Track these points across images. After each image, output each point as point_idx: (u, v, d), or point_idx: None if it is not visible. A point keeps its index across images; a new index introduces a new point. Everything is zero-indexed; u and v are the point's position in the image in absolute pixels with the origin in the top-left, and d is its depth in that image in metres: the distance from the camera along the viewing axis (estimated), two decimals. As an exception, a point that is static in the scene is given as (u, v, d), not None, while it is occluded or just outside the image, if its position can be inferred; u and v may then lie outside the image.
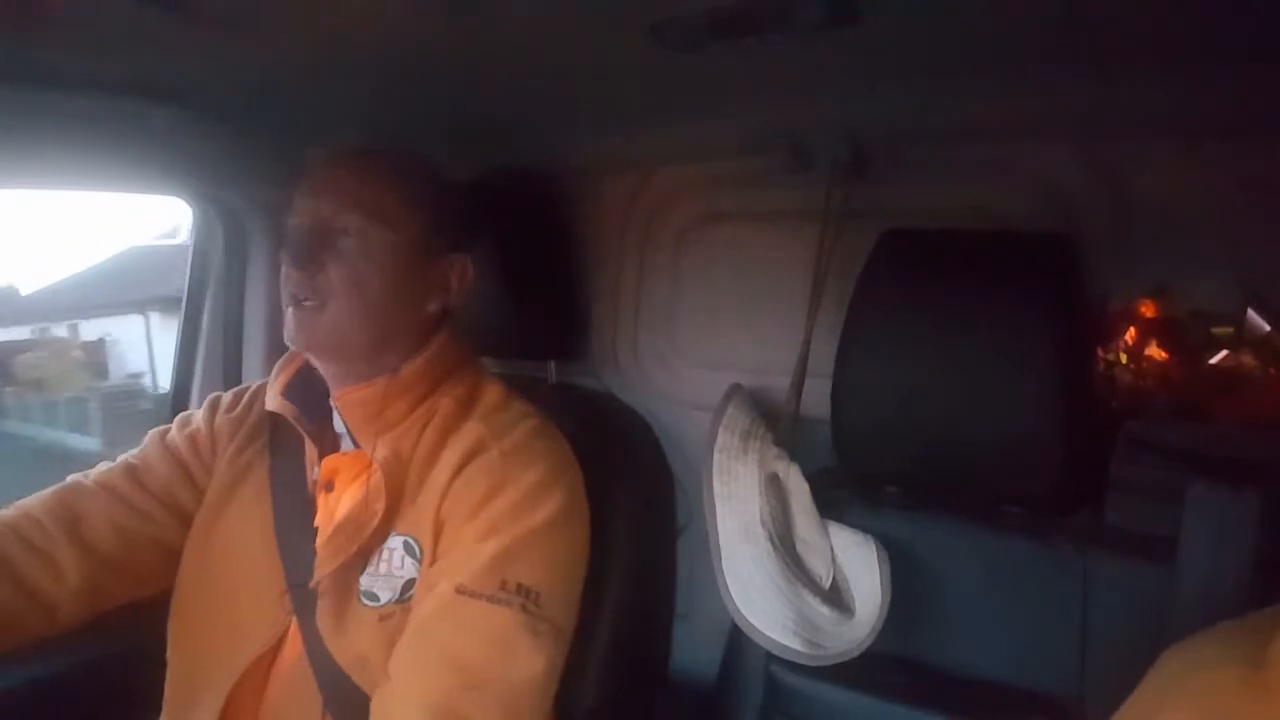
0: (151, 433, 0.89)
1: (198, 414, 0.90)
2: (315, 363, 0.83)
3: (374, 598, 0.76)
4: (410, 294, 0.81)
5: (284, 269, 0.78)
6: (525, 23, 0.65)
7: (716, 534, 0.85)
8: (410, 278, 0.80)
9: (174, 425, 0.89)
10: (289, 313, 0.78)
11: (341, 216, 0.77)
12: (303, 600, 0.77)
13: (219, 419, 0.89)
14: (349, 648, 0.75)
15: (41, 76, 0.70)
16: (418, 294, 0.82)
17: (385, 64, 0.73)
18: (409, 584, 0.76)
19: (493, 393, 0.85)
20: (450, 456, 0.78)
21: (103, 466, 0.86)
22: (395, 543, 0.77)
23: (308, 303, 0.77)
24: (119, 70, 0.70)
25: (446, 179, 0.86)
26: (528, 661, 0.69)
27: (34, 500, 0.81)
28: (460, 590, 0.71)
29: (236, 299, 1.25)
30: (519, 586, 0.71)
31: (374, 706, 0.70)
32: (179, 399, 1.26)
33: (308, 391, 0.85)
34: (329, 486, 0.81)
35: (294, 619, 0.77)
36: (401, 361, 0.81)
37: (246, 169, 1.10)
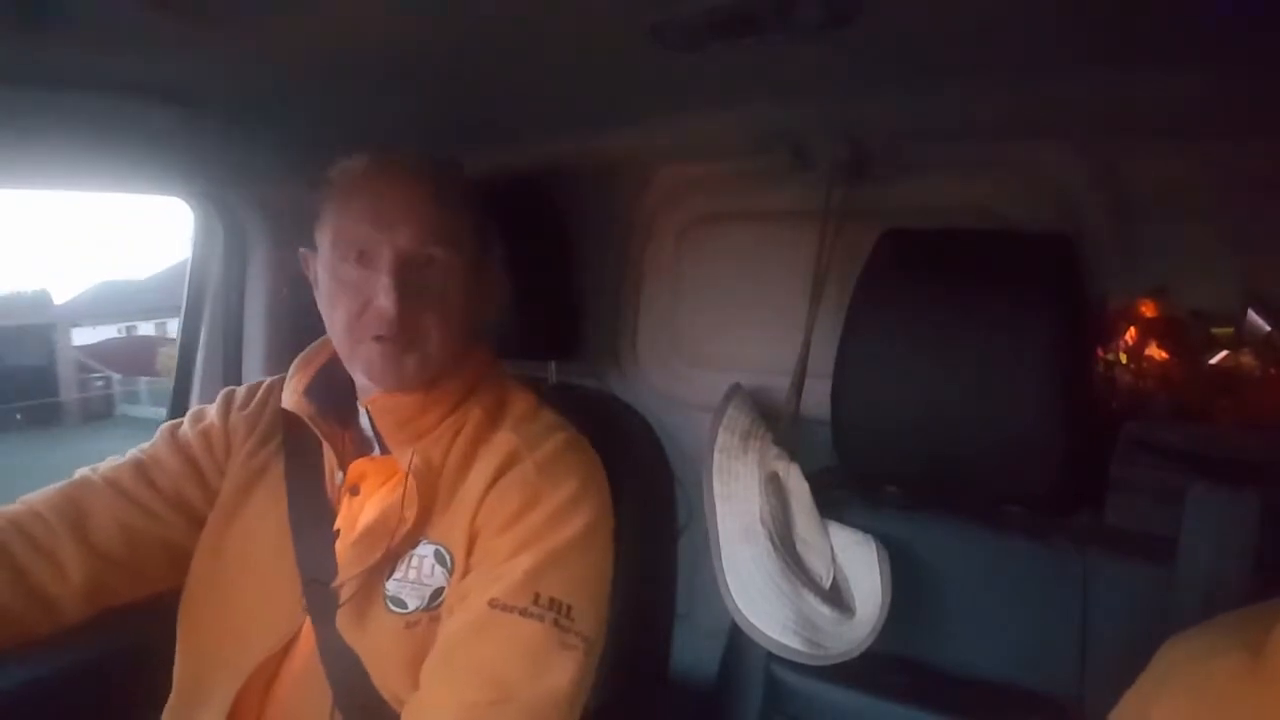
0: (162, 427, 0.88)
1: (211, 409, 0.89)
2: (354, 373, 0.81)
3: (401, 604, 0.75)
4: (476, 315, 0.81)
5: (353, 299, 0.75)
6: (526, 23, 0.65)
7: (716, 534, 0.85)
8: (478, 300, 0.81)
9: (186, 420, 0.88)
10: (374, 348, 0.75)
11: (425, 248, 0.75)
12: (318, 601, 0.76)
13: (233, 416, 0.88)
14: (368, 650, 0.74)
15: (42, 76, 0.69)
16: (479, 313, 0.82)
17: (385, 64, 0.73)
18: (437, 592, 0.75)
19: (521, 401, 0.85)
20: (483, 468, 0.77)
21: (112, 461, 0.85)
22: (426, 550, 0.76)
23: (395, 341, 0.74)
24: (119, 70, 0.70)
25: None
26: (558, 675, 0.69)
27: (40, 496, 0.80)
28: (493, 604, 0.70)
29: (236, 299, 1.25)
30: (551, 601, 0.71)
31: (405, 718, 0.70)
32: (179, 400, 1.26)
33: (329, 391, 0.84)
34: (354, 490, 0.81)
35: (307, 619, 0.77)
36: (443, 374, 0.81)
37: (246, 169, 1.10)
